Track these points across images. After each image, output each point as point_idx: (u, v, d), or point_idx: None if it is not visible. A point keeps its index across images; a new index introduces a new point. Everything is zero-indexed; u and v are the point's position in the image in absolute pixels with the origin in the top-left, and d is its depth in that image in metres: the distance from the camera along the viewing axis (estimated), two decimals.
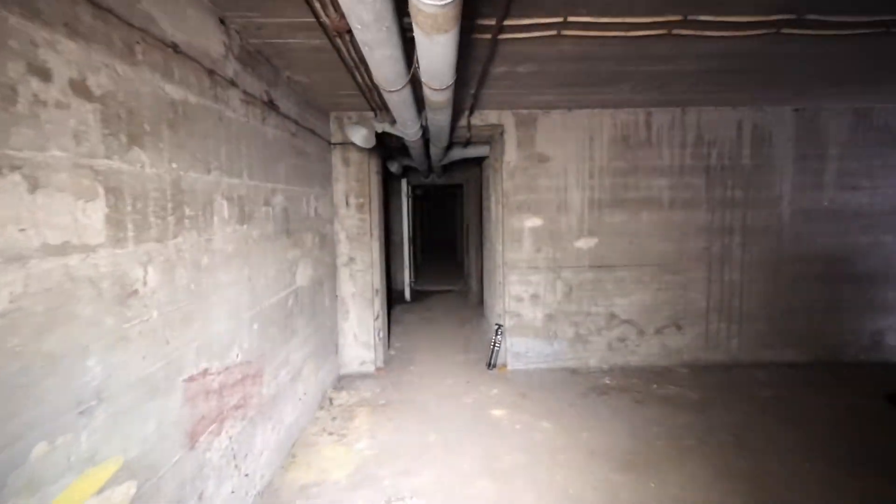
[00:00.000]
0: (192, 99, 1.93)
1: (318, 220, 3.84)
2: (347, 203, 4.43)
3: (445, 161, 5.78)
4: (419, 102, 3.02)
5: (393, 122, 3.73)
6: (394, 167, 6.29)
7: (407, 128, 3.45)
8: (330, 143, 4.29)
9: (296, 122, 3.27)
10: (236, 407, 2.26)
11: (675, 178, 4.52)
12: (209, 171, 2.05)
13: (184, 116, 1.87)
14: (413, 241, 10.05)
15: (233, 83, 2.29)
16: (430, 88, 2.33)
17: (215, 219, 2.10)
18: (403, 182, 7.96)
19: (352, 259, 4.48)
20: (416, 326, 6.34)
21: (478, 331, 6.07)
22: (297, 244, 3.28)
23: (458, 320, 6.68)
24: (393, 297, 8.31)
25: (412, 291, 8.45)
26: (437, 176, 8.54)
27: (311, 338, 3.58)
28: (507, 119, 4.44)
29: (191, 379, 1.88)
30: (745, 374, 4.40)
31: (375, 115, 4.10)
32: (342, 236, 4.46)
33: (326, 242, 4.13)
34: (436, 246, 17.67)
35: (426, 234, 17.41)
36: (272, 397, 2.74)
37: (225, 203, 2.19)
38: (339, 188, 4.41)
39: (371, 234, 4.52)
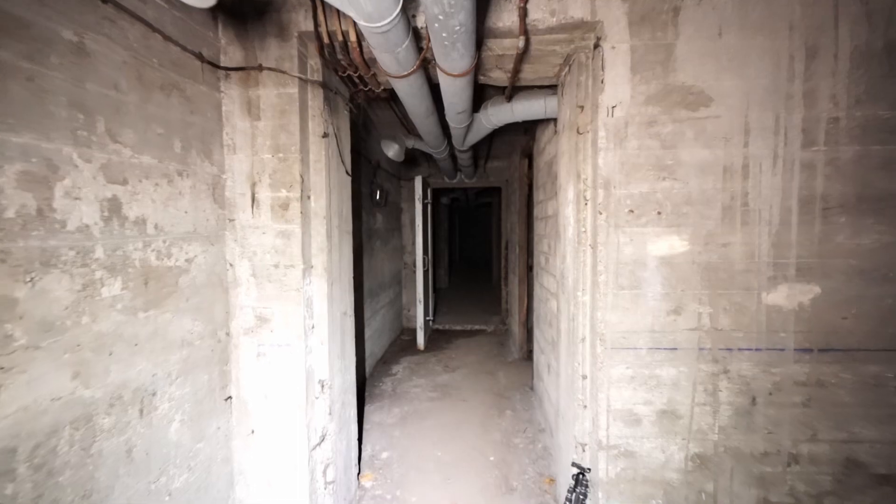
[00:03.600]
0: None
1: (135, 235, 1.47)
2: (254, 199, 2.05)
3: (477, 132, 3.33)
4: None
5: None
6: (391, 150, 3.88)
7: None
8: (213, 66, 1.94)
9: None
10: None
11: None
12: None
13: None
14: (434, 263, 7.65)
15: None
16: None
17: None
18: (417, 181, 5.57)
19: (262, 321, 2.08)
20: (422, 409, 3.86)
21: (526, 421, 3.52)
22: None
23: (494, 395, 4.15)
24: (400, 344, 5.87)
25: (429, 332, 6.00)
26: (467, 175, 6.12)
27: None
28: (611, 11, 1.95)
29: None
30: None
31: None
32: (243, 270, 2.07)
33: (187, 287, 1.75)
34: (468, 265, 15.26)
35: (456, 251, 14.99)
36: None
37: None
38: (238, 165, 2.04)
39: (307, 267, 2.11)
